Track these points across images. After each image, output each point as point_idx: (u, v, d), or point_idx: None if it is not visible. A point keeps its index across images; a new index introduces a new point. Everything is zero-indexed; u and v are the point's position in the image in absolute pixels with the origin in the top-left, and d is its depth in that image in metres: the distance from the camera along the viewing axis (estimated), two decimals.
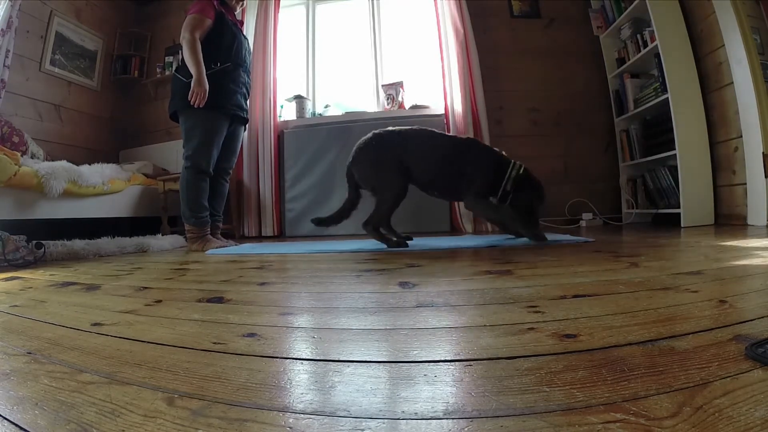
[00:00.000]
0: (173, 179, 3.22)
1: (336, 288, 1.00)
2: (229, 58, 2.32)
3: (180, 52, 3.68)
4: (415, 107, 3.31)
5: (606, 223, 3.20)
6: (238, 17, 2.66)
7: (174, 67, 3.68)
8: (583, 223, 3.15)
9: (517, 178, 1.89)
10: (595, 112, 3.35)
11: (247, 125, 2.71)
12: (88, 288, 1.15)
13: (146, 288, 1.10)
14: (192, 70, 2.18)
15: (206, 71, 2.20)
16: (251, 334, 0.63)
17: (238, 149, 2.62)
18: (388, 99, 3.37)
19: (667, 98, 2.61)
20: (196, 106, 2.18)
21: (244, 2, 2.60)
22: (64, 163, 2.59)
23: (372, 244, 2.07)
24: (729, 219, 2.52)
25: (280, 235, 3.31)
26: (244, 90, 2.47)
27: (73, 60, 3.61)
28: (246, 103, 2.51)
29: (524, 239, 1.99)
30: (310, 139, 3.28)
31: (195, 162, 2.26)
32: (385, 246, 1.95)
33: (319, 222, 2.05)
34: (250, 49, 2.61)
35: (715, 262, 1.11)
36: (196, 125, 2.26)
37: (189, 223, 2.32)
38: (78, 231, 2.53)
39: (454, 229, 3.14)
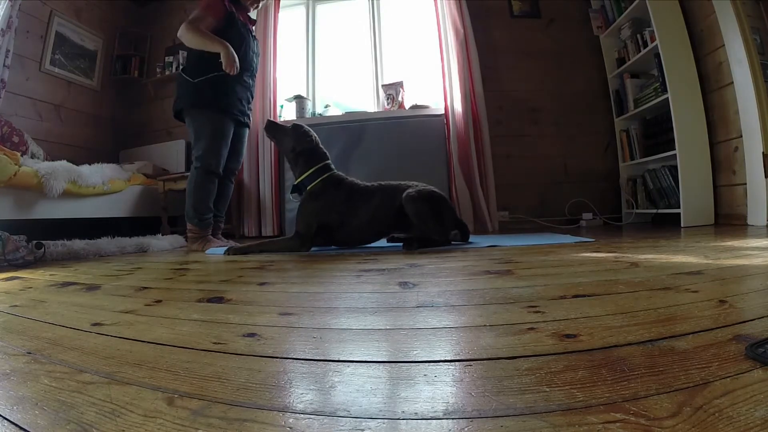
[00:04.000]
0: (173, 179, 3.22)
1: (336, 288, 1.00)
2: None
3: (180, 52, 3.71)
4: (415, 107, 3.31)
5: (606, 223, 3.20)
6: (253, 16, 2.60)
7: (179, 67, 3.66)
8: (583, 223, 3.15)
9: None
10: (595, 112, 3.35)
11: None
12: (88, 288, 1.15)
13: (146, 288, 1.10)
14: (212, 48, 2.13)
15: (211, 74, 2.19)
16: (251, 334, 0.63)
17: (244, 150, 2.62)
18: (388, 99, 3.37)
19: (667, 98, 2.61)
20: (233, 73, 2.17)
21: (260, 4, 2.51)
22: (64, 163, 2.59)
23: (372, 243, 2.07)
24: (729, 219, 2.52)
25: (280, 235, 3.31)
26: (248, 94, 2.45)
27: (73, 60, 3.61)
28: (249, 107, 2.49)
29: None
30: None
31: (205, 162, 2.26)
32: (386, 245, 1.96)
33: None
34: (258, 52, 2.55)
35: (715, 262, 1.11)
36: (204, 126, 2.26)
37: (192, 223, 2.32)
38: (78, 231, 2.53)
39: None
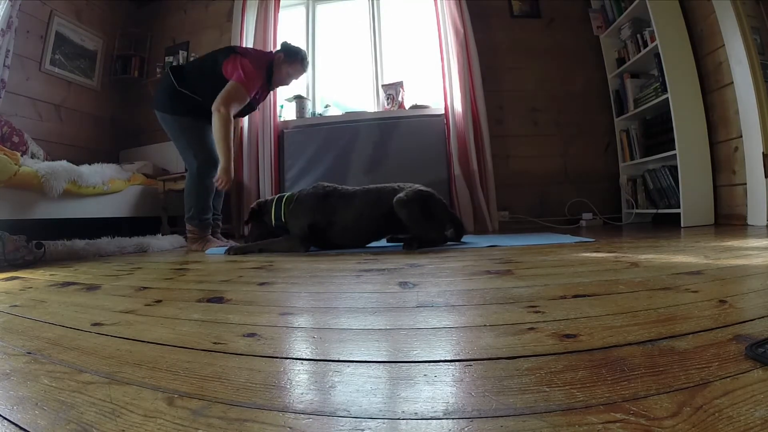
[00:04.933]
0: (173, 179, 3.22)
1: (336, 288, 1.00)
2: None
3: (180, 52, 3.71)
4: (415, 107, 3.31)
5: (606, 223, 3.20)
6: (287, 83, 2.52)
7: (173, 64, 3.66)
8: (583, 223, 3.15)
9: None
10: (595, 112, 3.35)
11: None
12: (88, 288, 1.15)
13: (146, 288, 1.10)
14: (220, 152, 2.19)
15: (193, 96, 2.19)
16: (251, 334, 0.63)
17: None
18: (388, 99, 3.37)
19: (667, 98, 2.61)
20: (220, 189, 2.26)
21: (297, 77, 2.42)
22: (64, 163, 2.59)
23: (372, 243, 2.07)
24: (729, 219, 2.52)
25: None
26: None
27: (73, 60, 3.61)
28: None
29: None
30: (310, 139, 3.27)
31: (203, 158, 2.27)
32: (386, 245, 1.96)
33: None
34: (257, 107, 2.53)
35: (715, 262, 1.11)
36: (183, 130, 2.27)
37: (192, 224, 2.32)
38: (78, 231, 2.53)
39: None
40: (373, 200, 1.95)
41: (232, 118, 2.19)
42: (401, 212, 1.86)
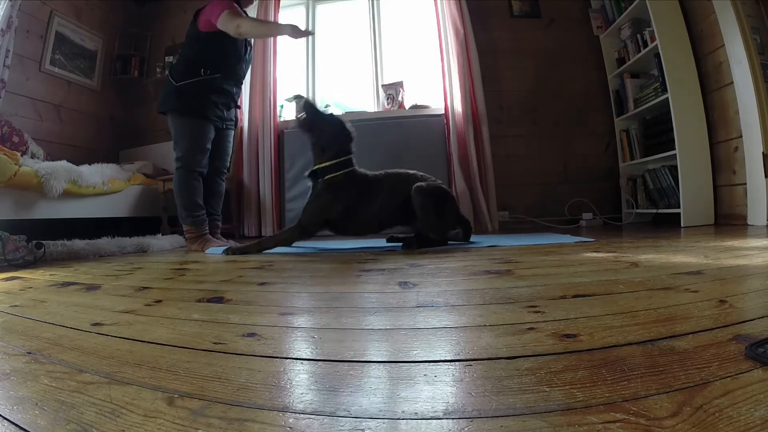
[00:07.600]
0: (173, 179, 3.22)
1: (336, 288, 1.00)
2: (219, 68, 2.25)
3: (179, 51, 3.70)
4: (415, 107, 3.31)
5: (606, 223, 3.20)
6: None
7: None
8: (583, 223, 3.15)
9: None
10: (595, 112, 3.35)
11: (238, 126, 2.69)
12: (88, 288, 1.15)
13: (146, 288, 1.10)
14: (274, 33, 2.33)
15: (192, 79, 2.20)
16: (251, 334, 0.63)
17: (231, 148, 2.60)
18: (388, 99, 3.37)
19: (667, 98, 2.61)
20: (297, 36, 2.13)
21: (254, 1, 2.51)
22: (64, 163, 2.59)
23: (372, 243, 2.07)
24: (729, 219, 2.52)
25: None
26: (230, 101, 2.42)
27: (73, 60, 3.61)
28: (229, 114, 2.46)
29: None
30: None
31: (186, 163, 2.28)
32: (386, 245, 1.96)
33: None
34: (250, 59, 2.53)
35: (715, 262, 1.11)
36: (184, 130, 2.27)
37: (186, 223, 2.32)
38: (78, 231, 2.53)
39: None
40: (400, 184, 1.94)
41: (245, 22, 2.14)
42: (416, 199, 1.86)
